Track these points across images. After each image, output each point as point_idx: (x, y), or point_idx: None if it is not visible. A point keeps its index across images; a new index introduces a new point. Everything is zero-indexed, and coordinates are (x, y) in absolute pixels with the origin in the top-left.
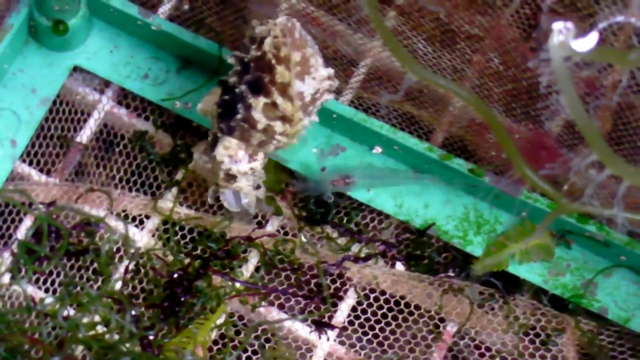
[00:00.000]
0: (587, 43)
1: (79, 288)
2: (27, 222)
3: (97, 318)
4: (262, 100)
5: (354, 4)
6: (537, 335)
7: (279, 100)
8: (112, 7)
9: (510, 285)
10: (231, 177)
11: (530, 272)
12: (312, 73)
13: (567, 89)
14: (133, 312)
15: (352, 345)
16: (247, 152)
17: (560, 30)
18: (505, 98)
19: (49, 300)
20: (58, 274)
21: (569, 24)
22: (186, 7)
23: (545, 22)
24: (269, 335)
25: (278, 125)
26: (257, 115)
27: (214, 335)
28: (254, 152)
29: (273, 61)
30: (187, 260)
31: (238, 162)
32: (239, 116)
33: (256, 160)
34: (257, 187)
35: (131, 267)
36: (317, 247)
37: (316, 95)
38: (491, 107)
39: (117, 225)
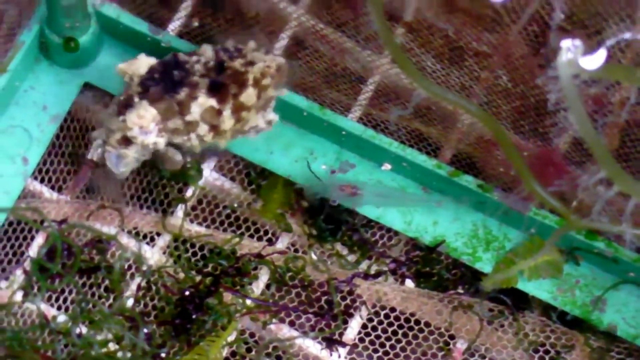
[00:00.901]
0: (595, 60)
1: (91, 305)
2: (39, 239)
3: (109, 336)
4: (211, 101)
5: (362, 20)
6: (547, 352)
7: (226, 113)
8: (122, 24)
9: (519, 301)
10: (126, 142)
11: (539, 288)
12: (266, 112)
13: (575, 106)
14: (145, 330)
15: None
16: (158, 127)
17: (569, 48)
18: (513, 115)
19: (62, 317)
20: (70, 291)
21: (577, 42)
22: (196, 24)
23: (554, 40)
24: (280, 352)
25: (203, 129)
26: (195, 109)
27: (225, 352)
28: (163, 131)
29: (250, 82)
30: (198, 278)
31: (146, 133)
32: (177, 96)
33: (162, 137)
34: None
35: (142, 284)
36: (327, 264)
37: (253, 127)
38: (499, 123)
39: (129, 242)
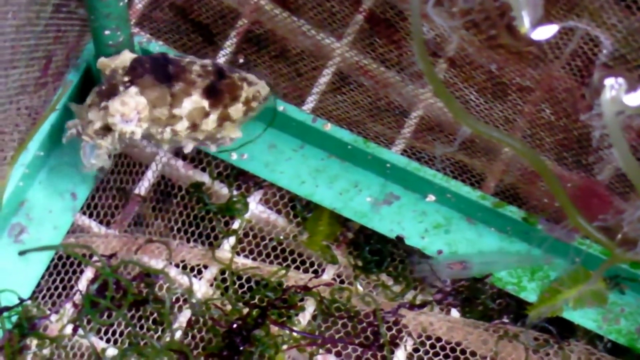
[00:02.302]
0: (638, 97)
1: (142, 339)
2: (88, 273)
3: None
4: (204, 103)
5: (406, 56)
6: None
7: (212, 117)
8: None
9: (564, 330)
10: (104, 132)
11: (584, 317)
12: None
13: (619, 143)
14: None
15: None
16: (138, 116)
17: (612, 86)
18: (557, 147)
19: (113, 351)
20: (119, 325)
21: (621, 80)
22: (241, 60)
23: (597, 78)
24: None
25: (183, 125)
26: (186, 105)
27: None
28: (143, 120)
29: (242, 99)
30: (245, 310)
31: (127, 121)
32: (172, 88)
33: (140, 127)
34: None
35: (190, 317)
36: (373, 294)
37: (220, 138)
38: (543, 156)
39: (176, 275)
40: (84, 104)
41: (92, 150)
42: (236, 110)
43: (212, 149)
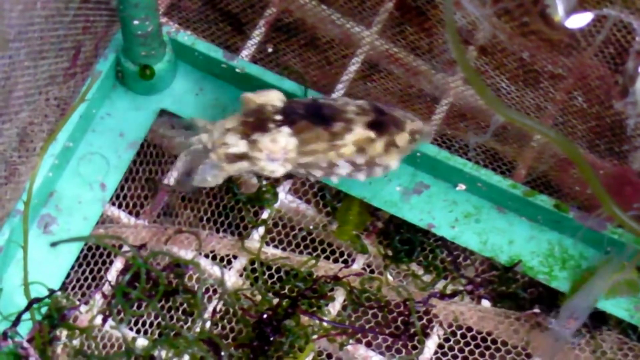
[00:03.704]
0: None
1: (172, 330)
2: (118, 264)
3: (185, 358)
4: (369, 133)
5: (437, 44)
6: None
7: (379, 143)
8: (197, 51)
9: (596, 319)
10: (234, 159)
11: (616, 306)
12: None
13: None
14: (227, 353)
15: None
16: (286, 156)
17: None
18: (589, 134)
19: (143, 342)
20: (148, 316)
21: None
22: (270, 49)
23: (631, 65)
24: None
25: (349, 149)
26: (350, 137)
27: None
28: (289, 161)
29: (407, 129)
30: (275, 300)
31: (272, 160)
32: (331, 128)
33: (283, 167)
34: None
35: (220, 307)
36: (403, 284)
37: (384, 165)
38: (575, 144)
39: (206, 265)
40: (216, 123)
41: (212, 169)
42: (402, 138)
43: (361, 178)
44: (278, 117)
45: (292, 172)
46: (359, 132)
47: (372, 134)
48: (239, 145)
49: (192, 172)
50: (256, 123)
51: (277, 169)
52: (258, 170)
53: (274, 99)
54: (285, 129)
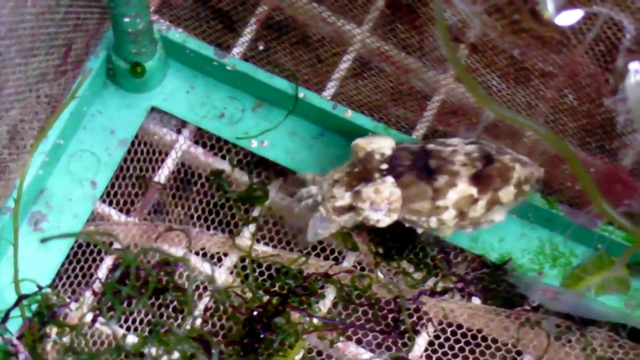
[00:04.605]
0: None
1: (162, 327)
2: (108, 261)
3: (175, 356)
4: (472, 190)
5: (427, 42)
6: None
7: (481, 203)
8: (188, 49)
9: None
10: (343, 211)
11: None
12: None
13: None
14: (217, 350)
15: None
16: (390, 206)
17: (637, 70)
18: (580, 132)
19: (133, 338)
20: (138, 313)
21: None
22: (261, 47)
23: (621, 62)
24: None
25: (450, 214)
26: (452, 196)
27: None
28: (393, 211)
29: (514, 181)
30: (265, 297)
31: (376, 210)
32: (435, 182)
33: (388, 217)
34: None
35: (210, 304)
36: (394, 281)
37: (485, 221)
38: (566, 141)
39: (196, 263)
40: (325, 175)
41: (323, 222)
42: (507, 193)
43: (469, 230)
44: (384, 167)
45: (402, 221)
46: (462, 188)
47: (474, 191)
48: (345, 198)
49: (305, 227)
50: (362, 173)
51: (383, 219)
52: (364, 220)
53: (384, 146)
54: (389, 179)
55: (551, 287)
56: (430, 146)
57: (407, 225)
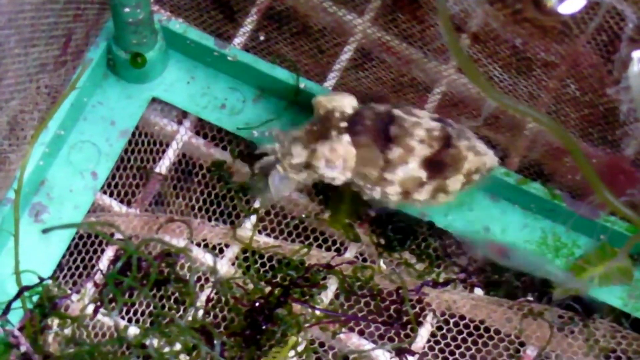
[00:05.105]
0: None
1: (163, 318)
2: (109, 252)
3: (177, 347)
4: (422, 174)
5: (429, 32)
6: (618, 358)
7: (428, 188)
8: (188, 39)
9: (589, 308)
10: (301, 168)
11: (609, 294)
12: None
13: None
14: (219, 341)
15: None
16: (345, 164)
17: None
18: (582, 123)
19: (134, 330)
20: (140, 304)
21: None
22: (262, 37)
23: (624, 51)
24: None
25: (394, 190)
26: (401, 172)
27: None
28: (348, 169)
29: (464, 171)
30: (267, 289)
31: (332, 168)
32: (388, 152)
33: (343, 175)
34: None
35: (212, 295)
36: (396, 273)
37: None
38: (568, 132)
39: (197, 254)
40: (288, 132)
41: (282, 180)
42: (455, 182)
43: (417, 205)
44: (343, 125)
45: (351, 182)
46: (412, 168)
47: (424, 175)
48: (302, 156)
49: (266, 186)
50: (320, 132)
51: (337, 177)
52: (319, 178)
53: (345, 104)
54: (346, 138)
55: (499, 244)
56: (397, 112)
57: (354, 188)
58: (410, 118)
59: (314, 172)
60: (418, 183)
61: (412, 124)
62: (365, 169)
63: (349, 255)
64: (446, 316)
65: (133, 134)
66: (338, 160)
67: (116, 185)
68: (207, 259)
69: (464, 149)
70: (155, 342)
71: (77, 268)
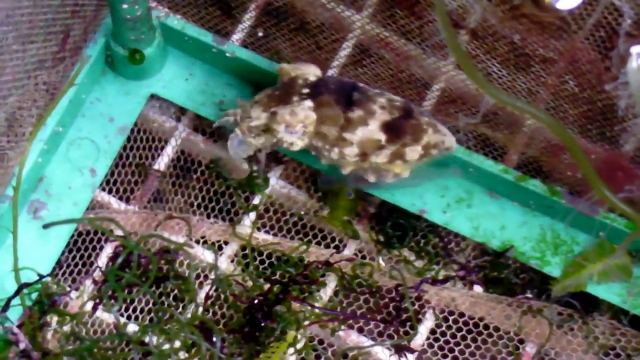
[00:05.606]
0: None
1: (163, 315)
2: (108, 249)
3: (177, 344)
4: (380, 136)
5: (427, 28)
6: (618, 355)
7: (386, 152)
8: (187, 36)
9: (589, 305)
10: (260, 132)
11: (608, 291)
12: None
13: None
14: (219, 338)
15: None
16: (304, 129)
17: (639, 54)
18: (580, 119)
19: (134, 327)
20: (139, 301)
21: None
22: (260, 34)
23: (622, 46)
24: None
25: (352, 151)
26: (360, 133)
27: None
28: (307, 134)
29: (423, 142)
30: (266, 286)
31: (291, 133)
32: (350, 112)
33: (302, 140)
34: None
35: (211, 293)
36: (396, 269)
37: (389, 173)
38: (567, 128)
39: (196, 251)
40: (251, 99)
41: (241, 144)
42: (413, 151)
43: (371, 179)
44: (305, 91)
45: (308, 148)
46: (372, 129)
47: (383, 137)
48: (260, 119)
49: (227, 156)
50: (282, 96)
51: (296, 142)
52: (278, 143)
53: (309, 73)
54: (307, 103)
55: (364, 176)
56: (361, 84)
57: (312, 152)
58: (374, 90)
59: (272, 136)
60: (377, 145)
61: (375, 93)
62: (325, 128)
63: (348, 252)
64: (445, 313)
65: (131, 131)
66: (298, 125)
67: (115, 182)
68: (206, 256)
69: (424, 123)
70: (154, 339)
71: (76, 265)
